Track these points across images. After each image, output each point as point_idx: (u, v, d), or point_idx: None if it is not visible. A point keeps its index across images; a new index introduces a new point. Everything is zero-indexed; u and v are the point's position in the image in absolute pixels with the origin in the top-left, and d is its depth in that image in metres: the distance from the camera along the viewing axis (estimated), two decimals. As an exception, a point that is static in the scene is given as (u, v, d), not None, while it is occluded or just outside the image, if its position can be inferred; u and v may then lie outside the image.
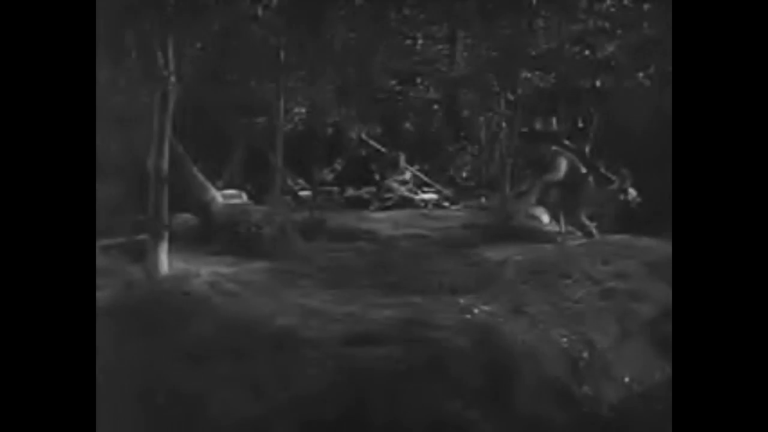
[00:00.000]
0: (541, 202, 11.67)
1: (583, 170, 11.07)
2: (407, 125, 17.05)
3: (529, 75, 14.39)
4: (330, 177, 14.67)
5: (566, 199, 11.06)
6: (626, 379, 7.68)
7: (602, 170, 11.57)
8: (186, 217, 10.67)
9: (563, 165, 10.84)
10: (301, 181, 13.96)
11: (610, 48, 14.19)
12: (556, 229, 11.20)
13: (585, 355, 7.48)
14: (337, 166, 14.83)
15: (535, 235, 10.91)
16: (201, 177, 11.55)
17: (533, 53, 14.12)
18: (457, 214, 13.02)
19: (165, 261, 7.81)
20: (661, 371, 7.77)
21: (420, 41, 16.93)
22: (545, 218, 11.70)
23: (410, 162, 14.84)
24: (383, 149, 15.23)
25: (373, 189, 14.09)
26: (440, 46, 17.03)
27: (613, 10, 13.72)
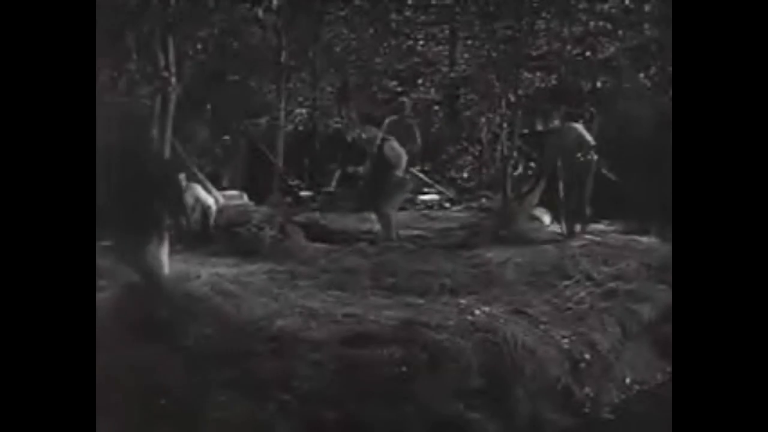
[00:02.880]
0: (542, 203, 11.67)
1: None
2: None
3: (530, 76, 14.40)
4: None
5: (372, 190, 10.61)
6: (627, 380, 7.69)
7: (604, 171, 11.56)
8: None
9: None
10: (297, 181, 13.93)
11: (611, 49, 14.20)
12: (557, 229, 11.20)
13: (586, 356, 7.48)
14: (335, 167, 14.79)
15: (536, 236, 10.90)
16: (202, 177, 11.55)
17: (534, 54, 14.13)
18: (458, 215, 13.00)
19: (166, 262, 7.80)
20: (662, 372, 7.78)
21: (421, 42, 16.93)
22: (546, 219, 11.70)
23: (411, 163, 14.81)
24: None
25: None
26: (441, 47, 17.03)
27: (613, 11, 13.72)
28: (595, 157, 10.91)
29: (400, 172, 10.61)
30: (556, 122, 11.50)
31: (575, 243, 10.36)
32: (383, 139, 10.47)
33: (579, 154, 10.84)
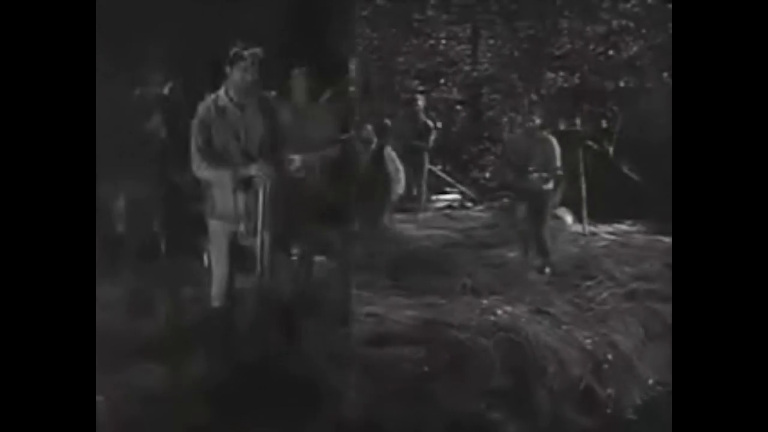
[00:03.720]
0: (564, 202, 11.61)
1: (399, 166, 9.41)
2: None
3: (552, 75, 14.36)
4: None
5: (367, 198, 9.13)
6: (650, 381, 7.65)
7: (625, 170, 11.49)
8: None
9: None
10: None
11: (635, 48, 14.13)
12: (579, 229, 11.13)
13: (609, 356, 7.45)
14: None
15: (558, 235, 10.84)
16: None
17: (557, 53, 14.08)
18: (479, 214, 12.97)
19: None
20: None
21: (443, 41, 16.90)
22: (568, 219, 11.63)
23: (433, 162, 14.76)
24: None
25: None
26: (463, 46, 16.99)
27: (637, 9, 13.66)
28: (552, 188, 9.19)
29: (401, 189, 9.97)
30: (537, 121, 9.31)
31: (598, 243, 10.32)
32: (381, 146, 9.55)
33: (538, 174, 9.02)
